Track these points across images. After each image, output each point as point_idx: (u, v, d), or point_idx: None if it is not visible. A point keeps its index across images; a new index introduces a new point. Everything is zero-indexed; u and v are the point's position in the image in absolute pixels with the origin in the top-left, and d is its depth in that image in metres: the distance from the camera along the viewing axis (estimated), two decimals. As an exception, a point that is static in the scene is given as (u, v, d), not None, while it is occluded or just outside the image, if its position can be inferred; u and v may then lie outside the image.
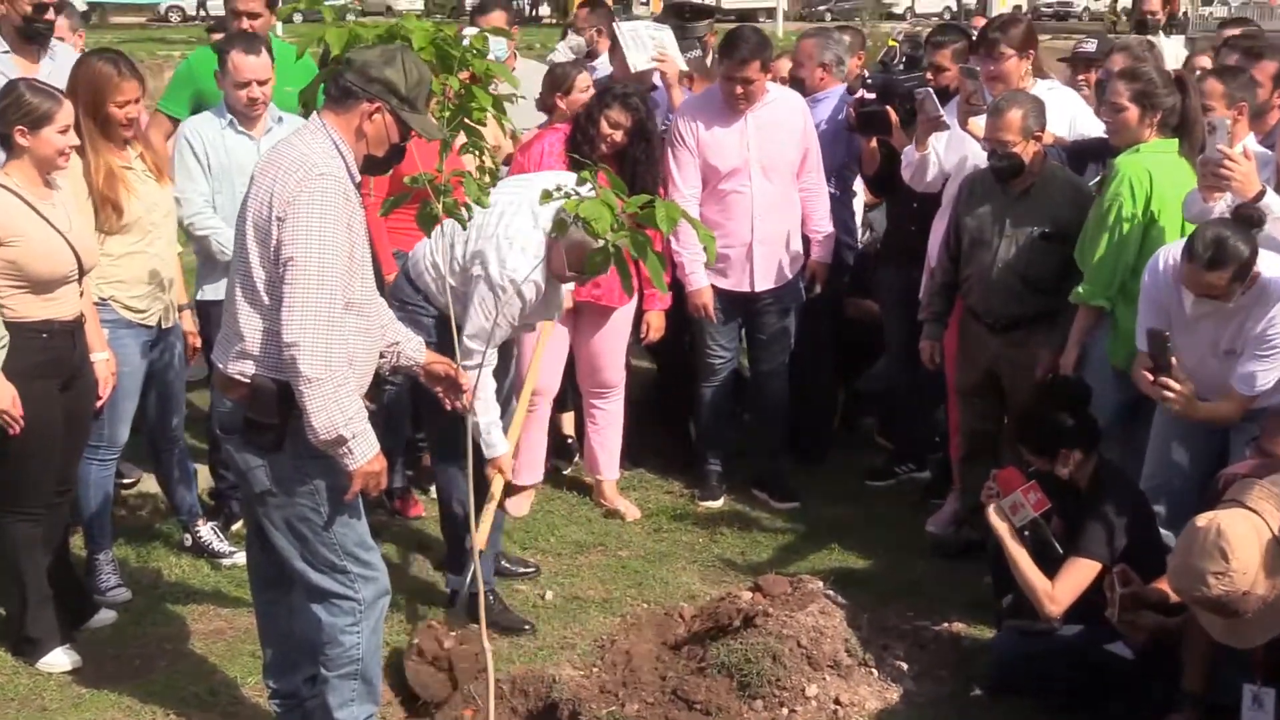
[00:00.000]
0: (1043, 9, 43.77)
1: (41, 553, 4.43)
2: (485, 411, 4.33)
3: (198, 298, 5.24)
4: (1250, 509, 3.50)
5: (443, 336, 4.12)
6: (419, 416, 5.46)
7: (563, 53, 7.39)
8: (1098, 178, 5.12)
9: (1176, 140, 4.71)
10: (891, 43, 6.54)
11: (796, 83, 6.21)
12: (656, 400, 6.58)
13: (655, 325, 5.80)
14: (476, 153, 3.83)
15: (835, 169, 6.08)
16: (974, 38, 5.87)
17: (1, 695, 4.29)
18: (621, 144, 5.36)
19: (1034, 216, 5.00)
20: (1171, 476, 4.49)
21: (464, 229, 4.09)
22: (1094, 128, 5.41)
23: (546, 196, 3.42)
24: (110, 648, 4.58)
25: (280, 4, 5.60)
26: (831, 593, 4.65)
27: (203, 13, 32.25)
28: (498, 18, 6.63)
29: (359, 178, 3.51)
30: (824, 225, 5.95)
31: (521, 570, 5.22)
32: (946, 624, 4.76)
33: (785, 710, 4.10)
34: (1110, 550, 4.17)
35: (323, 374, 3.31)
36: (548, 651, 4.63)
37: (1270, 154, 4.64)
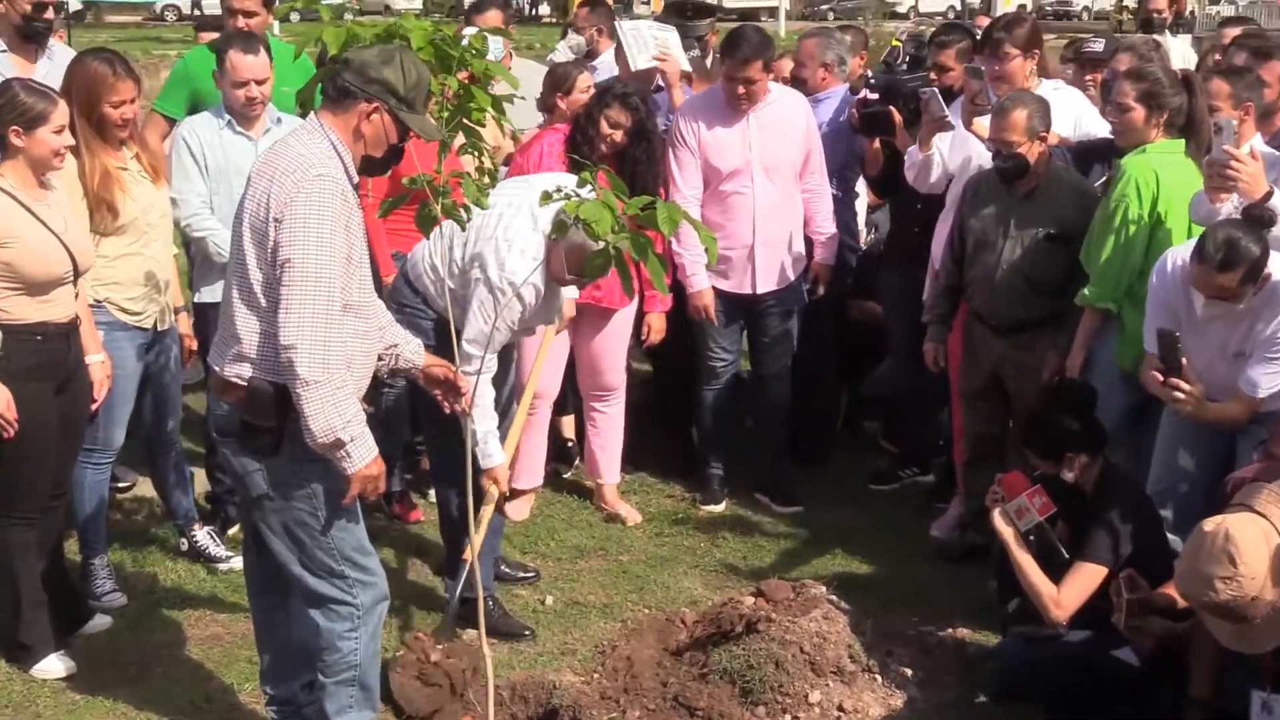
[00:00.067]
0: (1047, 8, 43.78)
1: (35, 557, 4.43)
2: (483, 419, 4.30)
3: (195, 300, 5.25)
4: (1259, 513, 3.49)
5: (441, 340, 4.12)
6: (417, 420, 5.46)
7: (563, 52, 7.40)
8: (1103, 179, 5.12)
9: (1183, 141, 4.70)
10: (895, 42, 6.55)
11: (798, 83, 6.21)
12: (657, 403, 6.58)
13: (656, 327, 5.80)
14: (475, 154, 3.83)
15: (836, 170, 6.08)
16: (978, 37, 5.87)
17: (-5, 702, 4.29)
18: (621, 144, 5.37)
19: (1039, 218, 5.00)
20: (1178, 480, 4.49)
21: (463, 230, 4.09)
22: (1100, 128, 5.41)
23: (546, 198, 3.42)
24: (105, 654, 4.58)
25: (277, 3, 5.60)
26: (835, 598, 4.65)
27: (197, 12, 32.27)
28: (494, 17, 6.63)
29: (357, 179, 3.51)
30: (827, 226, 5.95)
31: (521, 575, 5.21)
32: (951, 629, 4.76)
33: (788, 717, 4.10)
34: (1116, 555, 4.17)
35: (320, 376, 3.31)
36: (548, 657, 4.63)
37: (1278, 154, 4.64)
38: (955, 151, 5.46)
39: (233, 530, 5.31)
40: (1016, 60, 5.39)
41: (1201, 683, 3.95)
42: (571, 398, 6.15)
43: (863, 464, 6.45)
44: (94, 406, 4.56)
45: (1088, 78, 6.23)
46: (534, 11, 43.91)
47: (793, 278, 5.88)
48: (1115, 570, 4.12)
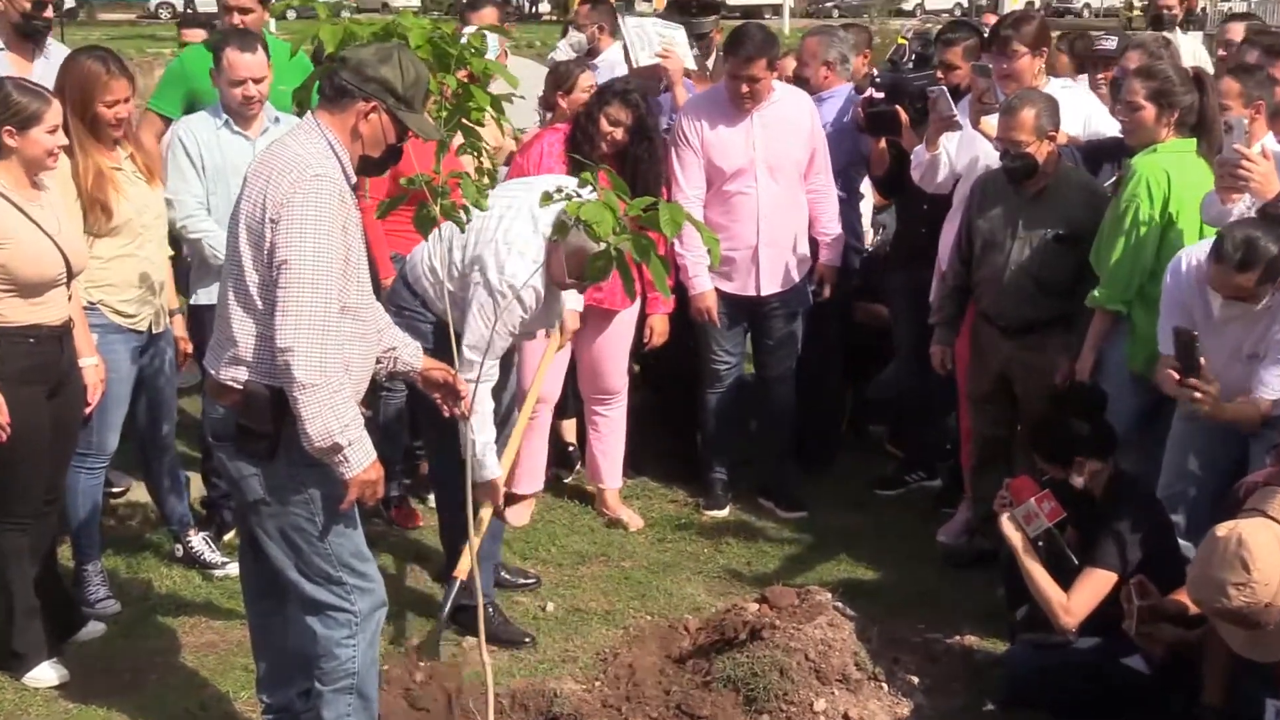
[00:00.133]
0: (1052, 3, 43.79)
1: (28, 563, 4.43)
2: (480, 430, 4.27)
3: (191, 302, 5.25)
4: (1272, 518, 3.49)
5: (440, 343, 4.11)
6: (417, 424, 5.46)
7: (564, 50, 7.40)
8: (1113, 179, 5.12)
9: (1195, 140, 4.70)
10: (901, 40, 6.55)
11: (801, 82, 6.22)
12: (657, 405, 6.57)
13: (659, 329, 5.80)
14: (475, 153, 3.83)
15: (840, 170, 6.07)
16: (985, 35, 5.87)
17: (-13, 710, 4.29)
18: (622, 142, 5.37)
19: (1047, 218, 5.00)
20: (1189, 485, 4.48)
21: (462, 232, 4.09)
22: (1109, 127, 5.41)
23: (547, 199, 3.41)
24: (99, 662, 4.58)
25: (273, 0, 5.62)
26: (840, 604, 4.64)
27: (189, 9, 32.25)
28: (490, 14, 6.63)
29: (355, 179, 3.52)
30: (832, 227, 5.95)
31: (521, 581, 5.21)
32: (959, 636, 4.76)
33: (793, 725, 4.10)
34: (1126, 561, 4.17)
35: (318, 380, 3.31)
36: (548, 665, 4.62)
37: (1290, 153, 4.63)
38: (962, 151, 5.46)
39: (228, 536, 5.31)
40: (1025, 58, 5.39)
41: (1214, 691, 3.95)
42: (572, 401, 6.15)
43: (868, 468, 6.45)
44: (87, 410, 4.56)
45: (1099, 76, 6.23)
46: (534, 9, 43.93)
47: (797, 279, 5.87)
48: (1125, 576, 4.12)
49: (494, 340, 4.19)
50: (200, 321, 5.10)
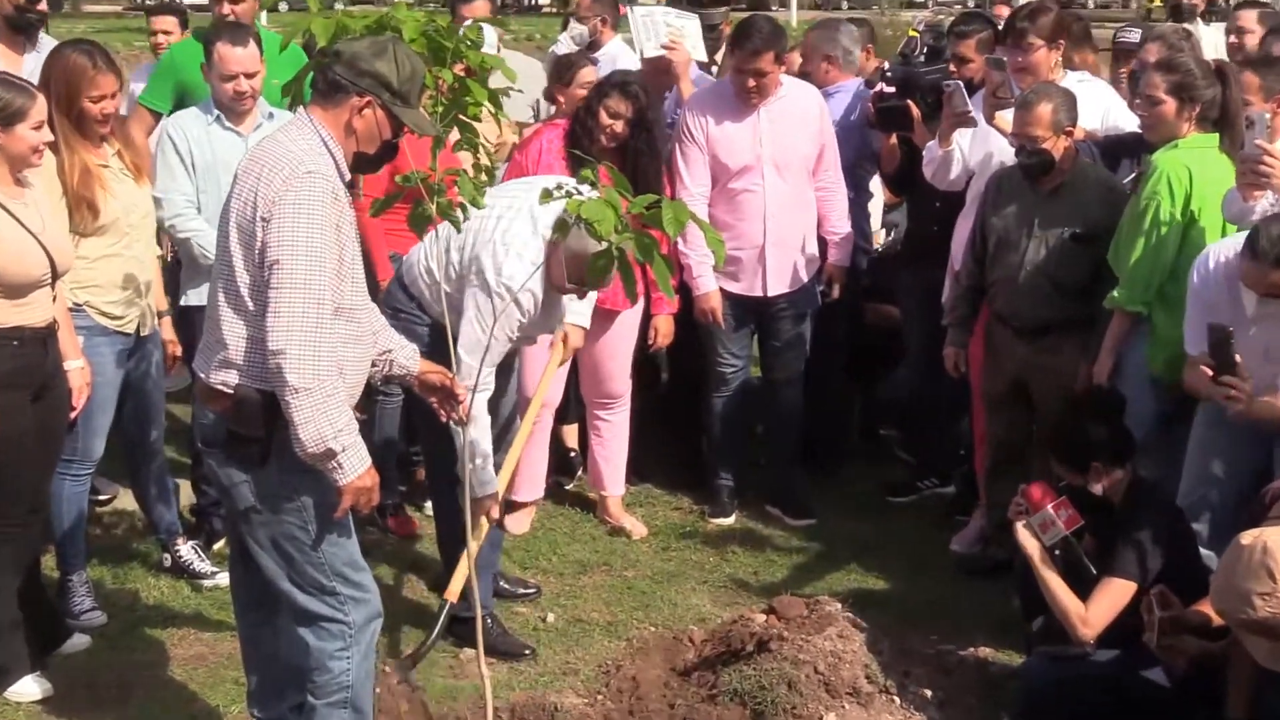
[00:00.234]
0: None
1: (11, 574, 4.41)
2: (478, 443, 4.26)
3: (180, 303, 5.25)
4: (1297, 526, 3.48)
5: (437, 346, 4.11)
6: (413, 429, 5.45)
7: (564, 43, 7.41)
8: (1132, 175, 5.12)
9: (1217, 135, 4.69)
10: (912, 32, 6.54)
11: (804, 78, 6.22)
12: (662, 410, 6.57)
13: (663, 331, 5.80)
14: (472, 150, 3.82)
15: (848, 168, 6.07)
16: (999, 27, 5.87)
17: (-31, 726, 4.29)
18: (622, 135, 5.36)
19: (1064, 216, 5.00)
20: (1211, 492, 4.47)
21: (458, 231, 4.08)
22: (1128, 122, 5.41)
23: (547, 196, 3.41)
24: (83, 675, 4.57)
25: (264, -8, 5.62)
26: (850, 615, 4.64)
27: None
28: (481, 7, 6.63)
29: (349, 176, 3.51)
30: (841, 226, 5.95)
31: (521, 591, 5.21)
32: (973, 648, 4.76)
33: (802, 740, 4.10)
34: (1146, 570, 4.16)
35: (310, 383, 3.31)
36: (549, 678, 4.62)
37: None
38: (976, 147, 5.46)
39: (218, 545, 5.31)
40: (1041, 51, 5.38)
41: (1238, 704, 3.92)
42: (574, 405, 6.14)
43: (879, 474, 6.45)
44: (72, 415, 4.55)
45: (1122, 70, 6.23)
46: (533, 1, 43.96)
47: (805, 279, 5.87)
48: (1145, 586, 4.11)
49: (491, 345, 4.18)
50: (189, 323, 5.09)
